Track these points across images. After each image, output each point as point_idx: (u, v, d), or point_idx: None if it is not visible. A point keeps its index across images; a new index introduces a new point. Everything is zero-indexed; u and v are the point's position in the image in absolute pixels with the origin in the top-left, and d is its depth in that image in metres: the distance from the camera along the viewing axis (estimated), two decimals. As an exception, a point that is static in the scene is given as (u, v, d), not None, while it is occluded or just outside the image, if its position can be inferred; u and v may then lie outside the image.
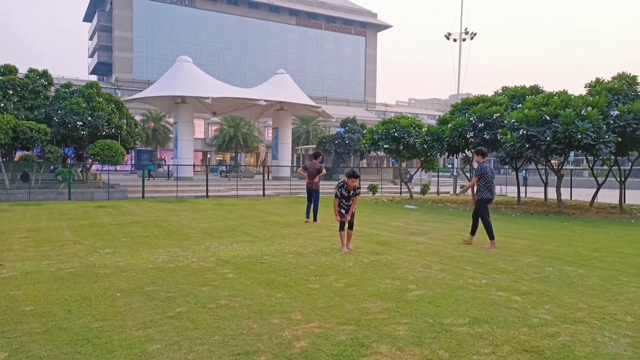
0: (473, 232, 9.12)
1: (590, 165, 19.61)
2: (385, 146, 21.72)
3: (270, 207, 17.17)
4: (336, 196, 8.19)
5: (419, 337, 4.00)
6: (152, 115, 48.96)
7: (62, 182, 20.32)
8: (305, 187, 12.85)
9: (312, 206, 12.40)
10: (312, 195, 12.40)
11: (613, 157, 17.22)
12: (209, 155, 59.03)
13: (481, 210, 8.84)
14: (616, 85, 15.39)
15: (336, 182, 8.79)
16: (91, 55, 77.73)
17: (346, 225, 8.23)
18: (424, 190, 25.21)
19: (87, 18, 78.84)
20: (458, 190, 9.12)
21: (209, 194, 22.44)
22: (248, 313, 4.63)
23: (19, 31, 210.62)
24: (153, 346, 3.78)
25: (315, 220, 12.26)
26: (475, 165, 9.21)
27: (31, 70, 23.49)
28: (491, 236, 8.70)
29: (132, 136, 24.62)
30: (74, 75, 68.77)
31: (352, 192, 8.15)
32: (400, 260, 7.28)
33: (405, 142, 21.16)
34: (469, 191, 9.69)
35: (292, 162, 46.29)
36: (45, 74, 23.52)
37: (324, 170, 12.68)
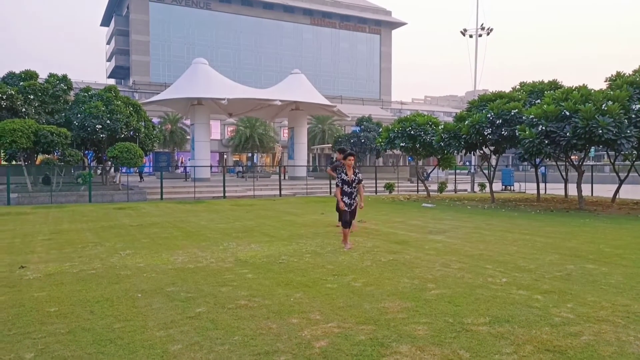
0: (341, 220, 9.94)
1: (612, 161, 19.28)
2: (401, 144, 21.61)
3: (287, 207, 17.21)
4: (337, 185, 8.36)
5: (439, 337, 3.97)
6: (169, 118, 49.44)
7: (82, 184, 20.66)
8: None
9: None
10: None
11: (635, 152, 16.88)
12: (225, 156, 59.42)
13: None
14: (638, 79, 15.08)
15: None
16: (109, 59, 78.81)
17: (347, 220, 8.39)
18: (441, 189, 25.04)
19: (105, 23, 79.91)
20: (360, 205, 9.69)
21: (226, 194, 22.58)
22: (267, 313, 4.65)
23: (39, 37, 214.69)
24: (174, 346, 3.83)
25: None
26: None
27: (51, 75, 23.93)
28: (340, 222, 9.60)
29: (150, 138, 24.91)
30: (93, 79, 69.98)
31: (353, 176, 8.29)
32: (419, 259, 7.25)
33: (421, 140, 21.03)
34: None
35: (308, 162, 46.33)
36: (64, 78, 23.95)
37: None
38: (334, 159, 12.43)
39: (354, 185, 8.34)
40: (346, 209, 8.27)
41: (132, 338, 4.02)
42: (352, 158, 8.40)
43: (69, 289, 5.62)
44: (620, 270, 6.42)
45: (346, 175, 8.31)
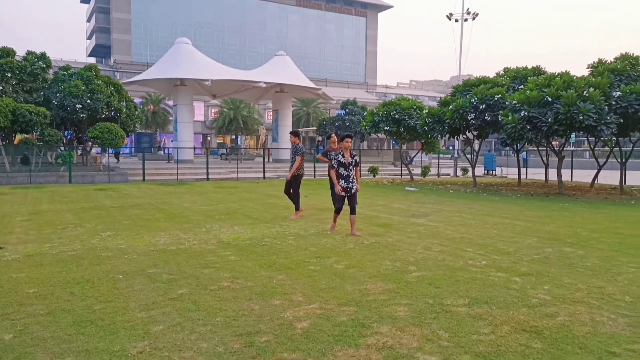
0: (297, 207, 10.04)
1: (591, 147, 19.57)
2: (385, 128, 21.64)
3: (270, 189, 17.18)
4: (332, 167, 8.03)
5: (419, 318, 4.04)
6: (152, 98, 48.67)
7: (62, 165, 20.31)
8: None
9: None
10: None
11: (614, 138, 17.17)
12: (209, 138, 58.88)
13: (296, 185, 10.06)
14: (619, 66, 15.27)
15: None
16: (89, 37, 76.92)
17: (346, 210, 7.99)
18: (425, 172, 25.22)
19: (85, -1, 77.89)
20: (289, 175, 10.08)
21: (210, 176, 22.44)
22: (249, 294, 4.66)
23: (16, 14, 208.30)
24: (156, 327, 3.82)
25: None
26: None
27: (29, 53, 23.29)
28: (297, 207, 10.03)
29: (132, 119, 24.53)
30: (72, 58, 68.14)
31: (350, 159, 7.92)
32: (401, 242, 7.32)
33: (405, 124, 21.08)
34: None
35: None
36: (43, 56, 23.33)
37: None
38: (323, 145, 12.15)
39: (350, 168, 7.93)
40: (343, 193, 7.89)
41: (113, 319, 4.00)
42: (349, 140, 7.98)
43: (49, 270, 5.56)
44: (596, 254, 6.57)
45: (343, 157, 7.91)
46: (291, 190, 10.12)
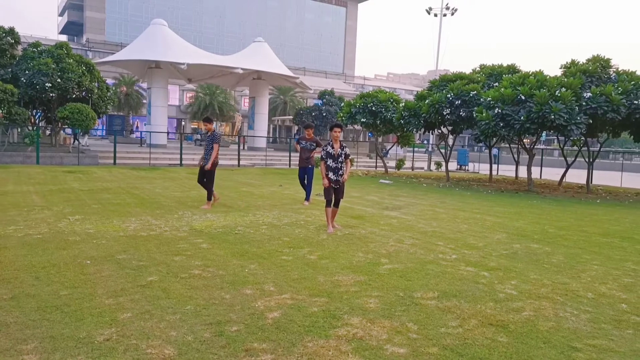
0: (210, 197, 9.66)
1: (561, 146, 20.06)
2: (362, 120, 21.70)
3: (245, 177, 17.05)
4: (322, 158, 7.48)
5: (389, 310, 4.08)
6: (125, 80, 47.55)
7: (29, 145, 19.70)
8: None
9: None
10: (307, 172, 10.85)
11: (583, 138, 17.63)
12: (183, 123, 57.97)
13: (211, 174, 9.67)
14: (590, 68, 15.65)
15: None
16: (61, 14, 74.46)
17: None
18: (399, 165, 25.42)
19: (57, -26, 75.23)
20: (202, 161, 9.82)
21: (183, 162, 22.12)
22: (221, 283, 4.63)
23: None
24: (124, 315, 3.76)
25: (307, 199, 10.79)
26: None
27: (-4, 27, 22.39)
28: (209, 198, 9.65)
29: (104, 100, 23.91)
30: (43, 35, 65.88)
31: (340, 150, 7.46)
32: (374, 234, 7.37)
33: (382, 116, 21.17)
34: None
35: (269, 133, 45.89)
36: (11, 31, 22.44)
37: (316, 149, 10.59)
38: (299, 133, 11.64)
39: (340, 160, 7.46)
40: (332, 185, 7.44)
41: (80, 305, 3.91)
42: (338, 130, 7.45)
43: (13, 254, 5.40)
44: (562, 250, 6.75)
45: (332, 148, 7.45)
46: (205, 179, 9.68)
